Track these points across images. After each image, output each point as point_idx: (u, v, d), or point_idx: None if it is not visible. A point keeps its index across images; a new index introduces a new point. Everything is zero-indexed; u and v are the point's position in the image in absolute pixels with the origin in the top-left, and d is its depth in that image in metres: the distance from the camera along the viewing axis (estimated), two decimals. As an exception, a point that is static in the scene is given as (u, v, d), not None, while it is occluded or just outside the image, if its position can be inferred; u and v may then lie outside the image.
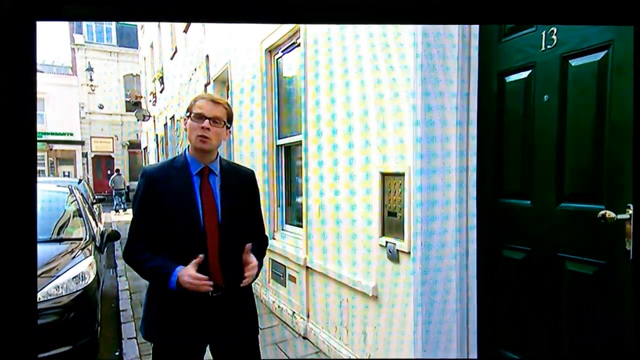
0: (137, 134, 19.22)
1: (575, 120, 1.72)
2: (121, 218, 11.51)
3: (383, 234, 2.37)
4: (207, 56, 6.34)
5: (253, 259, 1.57)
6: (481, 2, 0.88)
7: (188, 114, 1.53)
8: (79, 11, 0.83)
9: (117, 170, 15.31)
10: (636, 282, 0.98)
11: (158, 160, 12.00)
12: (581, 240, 1.75)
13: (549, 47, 1.80)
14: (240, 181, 1.64)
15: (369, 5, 0.86)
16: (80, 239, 3.62)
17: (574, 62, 1.72)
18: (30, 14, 0.76)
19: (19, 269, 0.80)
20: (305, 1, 0.86)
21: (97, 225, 4.68)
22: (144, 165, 16.78)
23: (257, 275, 1.63)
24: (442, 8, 0.88)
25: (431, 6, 0.87)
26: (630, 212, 1.55)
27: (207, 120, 1.48)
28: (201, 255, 1.47)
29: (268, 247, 1.85)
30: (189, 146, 1.58)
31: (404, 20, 0.96)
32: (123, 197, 13.82)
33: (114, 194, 13.70)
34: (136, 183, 1.65)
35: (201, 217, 1.51)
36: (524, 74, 1.93)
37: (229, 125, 1.56)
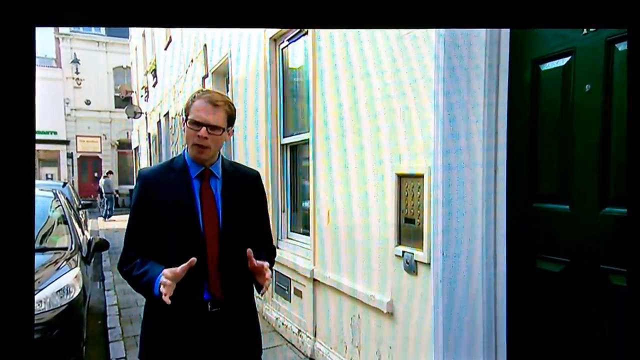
0: (128, 133, 19.42)
1: (623, 112, 1.68)
2: (110, 225, 11.59)
3: (399, 243, 2.35)
4: (205, 46, 6.37)
5: (263, 262, 1.51)
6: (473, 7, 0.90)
7: (185, 116, 1.53)
8: (78, 16, 0.85)
9: (110, 172, 15.48)
10: (633, 287, 0.96)
11: (150, 162, 12.10)
12: (628, 250, 1.70)
13: (591, 30, 1.76)
14: (244, 184, 1.62)
15: (384, 10, 0.88)
16: (65, 249, 3.64)
17: (621, 47, 1.68)
18: (29, 19, 0.78)
19: (17, 277, 0.83)
20: (314, 3, 0.86)
21: (83, 234, 4.71)
22: (134, 167, 16.93)
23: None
24: (463, 12, 0.90)
25: (453, 11, 0.89)
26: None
27: (204, 129, 1.47)
28: (193, 258, 1.38)
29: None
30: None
31: (424, 25, 0.97)
32: (112, 203, 13.92)
33: (105, 198, 13.76)
34: (126, 187, 1.66)
35: (201, 223, 1.51)
36: (562, 61, 1.88)
37: (229, 129, 1.55)
